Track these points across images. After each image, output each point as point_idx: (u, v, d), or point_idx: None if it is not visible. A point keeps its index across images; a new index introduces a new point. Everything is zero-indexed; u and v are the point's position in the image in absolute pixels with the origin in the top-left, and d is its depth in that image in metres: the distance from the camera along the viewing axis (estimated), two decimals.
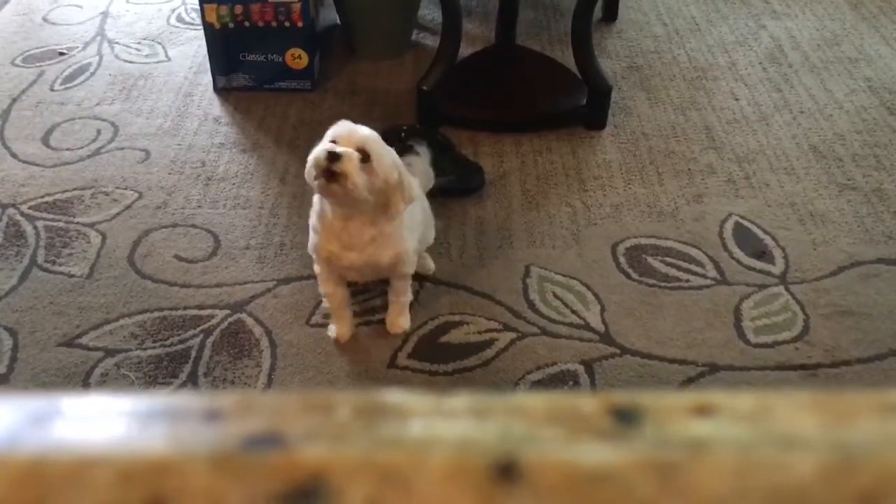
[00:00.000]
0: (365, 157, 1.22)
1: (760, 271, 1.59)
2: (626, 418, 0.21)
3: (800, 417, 0.21)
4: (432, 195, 1.56)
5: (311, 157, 1.23)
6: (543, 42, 2.38)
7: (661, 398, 0.21)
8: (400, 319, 1.48)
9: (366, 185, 1.22)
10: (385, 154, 1.25)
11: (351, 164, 1.20)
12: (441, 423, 0.20)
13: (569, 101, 2.05)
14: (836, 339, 1.45)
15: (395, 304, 1.47)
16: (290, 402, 0.21)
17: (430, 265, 1.58)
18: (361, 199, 1.23)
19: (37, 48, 2.37)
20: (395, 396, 0.21)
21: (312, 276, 1.57)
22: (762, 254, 1.63)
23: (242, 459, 0.19)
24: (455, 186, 1.78)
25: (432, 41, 2.37)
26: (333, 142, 1.23)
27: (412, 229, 1.38)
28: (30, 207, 1.75)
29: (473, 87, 2.11)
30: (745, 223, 1.71)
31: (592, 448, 0.20)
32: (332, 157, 1.19)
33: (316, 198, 1.33)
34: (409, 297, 1.47)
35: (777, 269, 1.60)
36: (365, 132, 1.25)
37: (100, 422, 0.21)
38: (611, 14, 2.49)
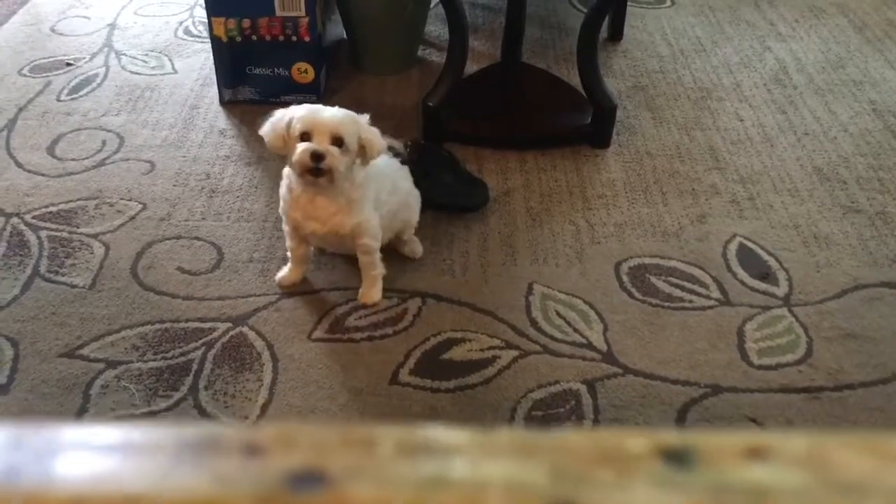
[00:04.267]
0: (340, 142, 1.33)
1: (764, 293, 1.59)
2: (677, 460, 0.20)
3: (854, 461, 0.20)
4: (428, 208, 1.56)
5: (294, 159, 1.33)
6: (549, 60, 2.39)
7: (710, 438, 0.21)
8: (372, 291, 1.54)
9: (346, 166, 1.34)
10: (353, 132, 1.35)
11: (335, 159, 1.31)
12: (487, 461, 0.20)
13: (573, 119, 2.05)
14: (839, 362, 1.45)
15: (367, 278, 1.54)
16: (331, 435, 0.21)
17: (418, 249, 1.65)
18: (342, 178, 1.35)
19: (44, 58, 2.38)
20: (436, 432, 0.21)
21: (315, 290, 1.58)
22: (766, 275, 1.63)
23: (287, 499, 0.19)
24: (459, 203, 1.79)
25: (438, 57, 2.38)
26: (307, 133, 1.32)
27: (373, 201, 1.46)
28: (34, 217, 1.75)
29: (479, 104, 2.11)
30: (749, 244, 1.71)
31: (648, 493, 0.19)
32: (317, 157, 1.30)
33: (286, 170, 1.43)
34: (380, 270, 1.54)
35: (781, 290, 1.60)
36: (335, 119, 1.34)
37: (137, 455, 0.21)
38: (616, 33, 2.50)
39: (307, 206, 1.42)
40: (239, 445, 0.21)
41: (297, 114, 1.36)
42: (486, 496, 0.19)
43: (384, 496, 0.19)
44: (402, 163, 1.63)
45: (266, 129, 1.39)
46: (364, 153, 1.37)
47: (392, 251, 1.62)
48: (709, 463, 0.20)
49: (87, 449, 0.21)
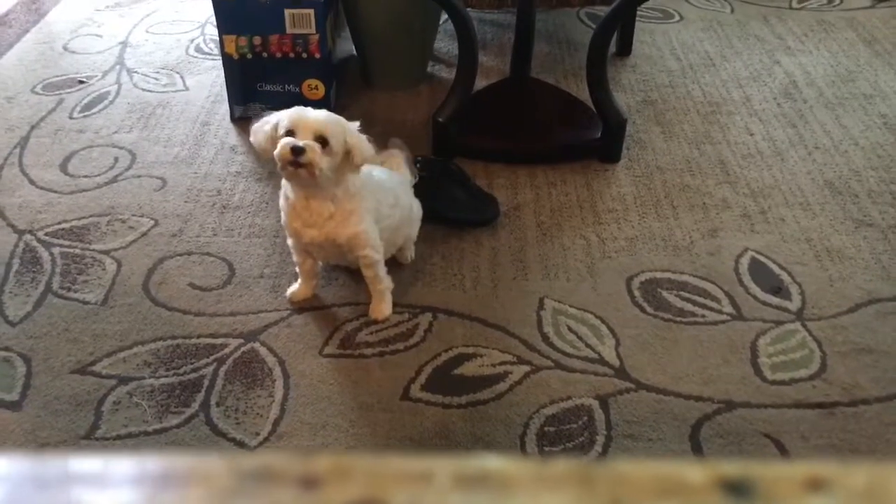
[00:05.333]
0: (324, 142, 1.34)
1: (777, 307, 1.58)
2: (737, 492, 0.20)
3: None
4: (438, 223, 1.56)
5: (276, 152, 1.34)
6: (558, 75, 2.40)
7: (769, 469, 0.21)
8: (381, 306, 1.55)
9: (329, 166, 1.35)
10: (338, 133, 1.36)
11: (314, 154, 1.32)
12: (545, 493, 0.20)
13: (583, 133, 2.06)
14: (853, 377, 1.44)
15: (375, 293, 1.55)
16: (387, 467, 0.21)
17: (409, 255, 1.67)
18: (325, 179, 1.36)
19: (57, 76, 2.40)
20: (493, 462, 0.21)
21: (325, 306, 1.58)
22: (778, 289, 1.62)
23: None
24: (469, 218, 1.79)
25: (447, 73, 2.38)
26: (291, 131, 1.35)
27: (373, 213, 1.47)
28: (46, 234, 1.76)
29: (488, 119, 2.12)
30: (761, 258, 1.70)
31: None
32: (297, 151, 1.32)
33: (283, 181, 1.44)
34: (387, 284, 1.54)
35: (794, 305, 1.59)
36: (318, 118, 1.36)
37: (186, 485, 0.20)
38: (625, 48, 2.50)
39: (303, 212, 1.43)
40: (295, 477, 0.21)
41: (283, 114, 1.38)
42: None
43: None
44: (421, 177, 1.66)
45: (255, 128, 1.41)
46: (349, 158, 1.38)
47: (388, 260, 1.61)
48: (769, 495, 0.20)
49: (133, 482, 0.21)
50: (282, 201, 1.48)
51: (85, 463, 0.22)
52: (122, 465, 0.21)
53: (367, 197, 1.46)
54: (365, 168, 1.43)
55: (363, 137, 1.40)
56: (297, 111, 1.38)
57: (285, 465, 0.21)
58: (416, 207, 1.63)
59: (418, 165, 1.79)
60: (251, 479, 0.21)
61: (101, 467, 0.21)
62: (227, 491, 0.20)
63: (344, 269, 1.64)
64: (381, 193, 1.51)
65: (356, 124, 1.41)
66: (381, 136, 2.09)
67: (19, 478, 0.21)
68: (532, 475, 0.20)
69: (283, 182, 1.45)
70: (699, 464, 0.21)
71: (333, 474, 0.21)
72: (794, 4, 2.85)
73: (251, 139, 1.42)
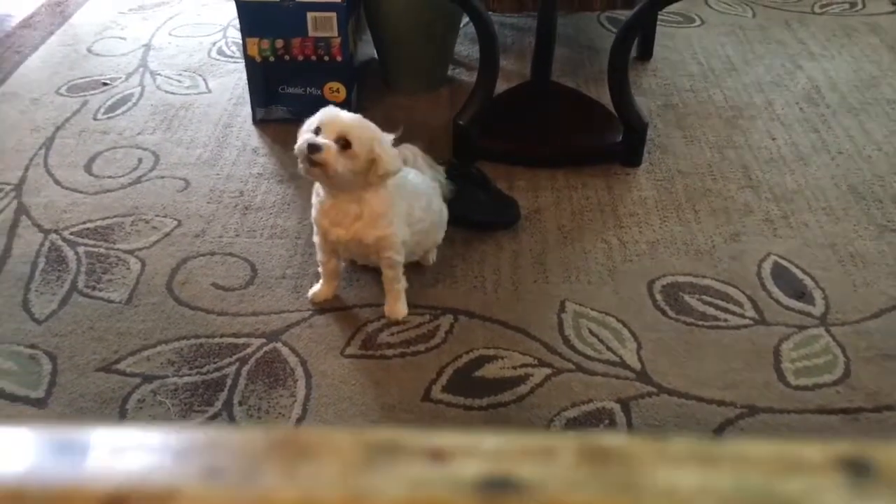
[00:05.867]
0: (346, 143, 1.35)
1: (800, 312, 1.57)
2: (857, 471, 0.20)
3: None
4: (459, 226, 1.56)
5: (296, 146, 1.37)
6: (578, 79, 2.40)
7: (888, 449, 0.21)
8: (397, 306, 1.56)
9: (346, 168, 1.35)
10: (364, 137, 1.37)
11: (329, 154, 1.33)
12: (671, 470, 0.20)
13: (604, 137, 2.05)
14: (878, 382, 1.42)
15: (391, 293, 1.56)
16: (510, 443, 0.21)
17: (431, 258, 1.68)
18: (344, 181, 1.37)
19: (81, 78, 2.42)
20: (613, 440, 0.21)
21: (347, 307, 1.58)
22: (802, 294, 1.61)
23: (481, 503, 0.19)
24: (490, 220, 1.79)
25: (467, 76, 2.39)
26: (318, 128, 1.37)
27: (404, 217, 1.48)
28: (71, 233, 1.77)
29: (509, 123, 2.12)
30: (784, 263, 1.69)
31: None
32: (313, 148, 1.33)
33: None
34: (402, 284, 1.55)
35: (817, 310, 1.58)
36: (346, 120, 1.38)
37: (325, 456, 0.21)
38: (646, 52, 2.50)
39: (330, 211, 1.45)
40: (422, 451, 0.21)
41: (319, 112, 1.41)
42: (679, 502, 0.19)
43: (578, 501, 0.19)
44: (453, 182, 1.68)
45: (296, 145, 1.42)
46: (373, 167, 1.38)
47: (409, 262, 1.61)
48: (888, 473, 0.20)
49: (266, 452, 0.21)
50: (314, 198, 1.50)
51: (207, 433, 0.22)
52: (255, 435, 0.22)
53: (398, 201, 1.46)
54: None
55: (392, 150, 1.41)
56: (329, 110, 1.40)
57: (411, 439, 0.21)
58: (444, 212, 1.64)
59: (450, 168, 1.78)
60: (379, 451, 0.21)
61: (226, 437, 0.22)
62: (357, 462, 0.21)
63: (364, 269, 1.65)
64: (414, 197, 1.51)
65: (391, 136, 1.42)
66: (401, 140, 2.11)
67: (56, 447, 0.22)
68: (653, 453, 0.21)
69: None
70: (817, 443, 0.21)
71: (459, 449, 0.21)
72: (817, 9, 2.83)
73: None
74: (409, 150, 1.66)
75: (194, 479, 0.20)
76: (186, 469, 0.21)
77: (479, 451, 0.21)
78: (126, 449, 0.21)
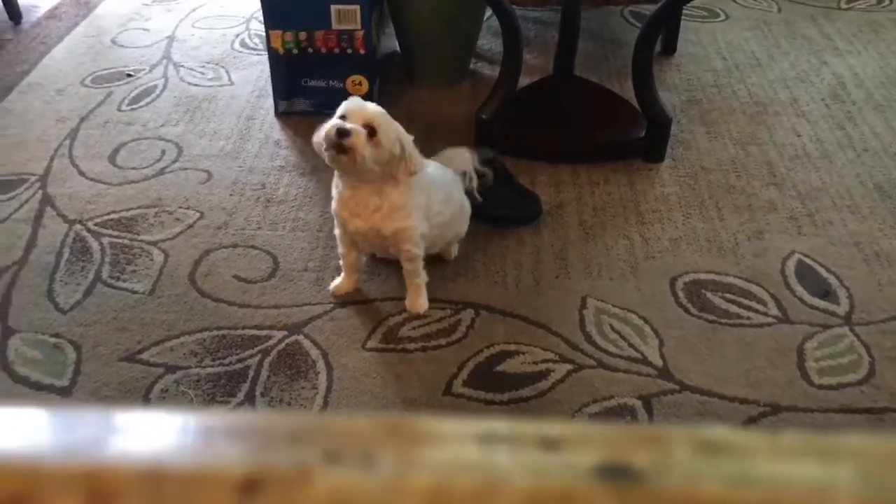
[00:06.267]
0: (372, 131, 1.35)
1: (824, 311, 1.56)
2: None
3: None
4: (481, 221, 1.56)
5: (322, 132, 1.36)
6: (601, 73, 2.38)
7: None
8: (419, 300, 1.55)
9: (372, 157, 1.35)
10: (391, 129, 1.38)
11: (359, 139, 1.33)
12: (789, 463, 0.20)
13: (627, 132, 2.04)
14: None
15: (411, 287, 1.56)
16: (622, 433, 0.21)
17: (453, 252, 1.68)
18: (368, 170, 1.36)
19: (105, 69, 2.44)
20: (724, 432, 0.21)
21: (368, 300, 1.59)
22: (826, 293, 1.60)
23: (602, 490, 0.19)
24: (512, 215, 1.78)
25: (490, 70, 2.38)
26: (343, 117, 1.36)
27: (423, 210, 1.48)
28: (96, 224, 1.79)
29: (531, 117, 2.11)
30: (808, 261, 1.68)
31: None
32: (342, 133, 1.32)
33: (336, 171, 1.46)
34: (423, 278, 1.55)
35: (841, 309, 1.56)
36: (373, 108, 1.39)
37: (452, 444, 0.21)
38: (669, 47, 2.48)
39: (350, 202, 1.45)
40: (535, 439, 0.21)
41: (343, 103, 1.41)
42: (795, 494, 0.19)
43: (697, 492, 0.19)
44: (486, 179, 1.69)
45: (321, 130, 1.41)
46: (402, 163, 1.39)
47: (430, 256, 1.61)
48: None
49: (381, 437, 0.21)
50: (333, 190, 1.50)
51: (315, 418, 0.22)
52: (362, 421, 0.22)
53: (418, 194, 1.46)
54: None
55: (415, 149, 1.43)
56: (354, 99, 1.41)
57: (523, 427, 0.21)
58: (466, 205, 1.63)
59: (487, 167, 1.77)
60: (491, 440, 0.21)
61: (332, 422, 0.22)
62: (481, 449, 0.21)
63: (385, 263, 1.65)
64: (434, 190, 1.51)
65: (411, 137, 1.43)
66: (423, 133, 2.10)
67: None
68: (767, 446, 0.21)
69: (335, 172, 1.47)
70: None
71: (572, 437, 0.21)
72: (843, 5, 2.80)
73: (314, 139, 1.42)
74: (461, 154, 1.67)
75: (319, 464, 0.20)
76: (307, 454, 0.21)
77: (591, 439, 0.21)
78: (245, 432, 0.22)
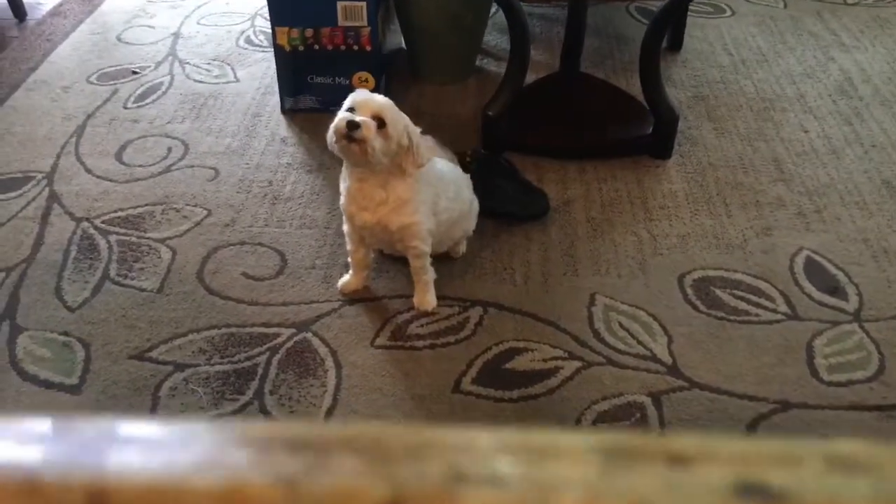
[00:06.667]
0: (381, 123, 1.36)
1: (833, 308, 1.56)
2: None
3: None
4: (488, 218, 1.56)
5: (332, 125, 1.37)
6: (608, 70, 2.38)
7: None
8: (426, 297, 1.56)
9: (382, 148, 1.36)
10: (399, 120, 1.39)
11: (369, 131, 1.34)
12: None
13: (634, 129, 2.04)
14: None
15: (419, 284, 1.56)
16: (752, 449, 0.20)
17: (461, 250, 1.68)
18: (377, 161, 1.37)
19: (111, 67, 2.43)
20: (855, 447, 0.20)
21: (377, 298, 1.59)
22: (835, 290, 1.60)
23: None
24: (519, 212, 1.78)
25: (496, 66, 2.38)
26: (352, 108, 1.38)
27: (430, 205, 1.48)
28: (103, 222, 1.79)
29: (538, 114, 2.11)
30: (817, 258, 1.68)
31: None
32: (352, 125, 1.34)
33: (344, 165, 1.47)
34: (431, 275, 1.56)
35: (850, 306, 1.56)
36: (381, 100, 1.40)
37: (563, 460, 0.20)
38: (676, 43, 2.48)
39: (357, 195, 1.45)
40: (661, 455, 0.21)
41: (351, 95, 1.42)
42: None
43: None
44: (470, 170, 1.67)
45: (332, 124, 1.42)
46: (410, 156, 1.40)
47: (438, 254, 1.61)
48: None
49: (497, 451, 0.21)
50: (342, 185, 1.50)
51: (419, 432, 0.22)
52: (501, 437, 0.22)
53: (425, 188, 1.46)
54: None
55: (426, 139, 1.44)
56: (361, 91, 1.42)
57: (648, 443, 0.21)
58: (475, 203, 1.63)
59: (468, 159, 1.79)
60: (615, 455, 0.21)
61: (442, 435, 0.22)
62: (598, 467, 0.20)
63: (393, 260, 1.65)
64: (442, 186, 1.51)
65: (418, 129, 1.43)
66: (430, 130, 2.10)
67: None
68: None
69: (343, 166, 1.47)
70: None
71: (699, 453, 0.21)
72: (849, 0, 2.79)
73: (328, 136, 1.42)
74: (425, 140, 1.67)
75: (442, 481, 0.20)
76: (435, 471, 0.20)
77: (720, 455, 0.21)
78: (361, 446, 0.21)
